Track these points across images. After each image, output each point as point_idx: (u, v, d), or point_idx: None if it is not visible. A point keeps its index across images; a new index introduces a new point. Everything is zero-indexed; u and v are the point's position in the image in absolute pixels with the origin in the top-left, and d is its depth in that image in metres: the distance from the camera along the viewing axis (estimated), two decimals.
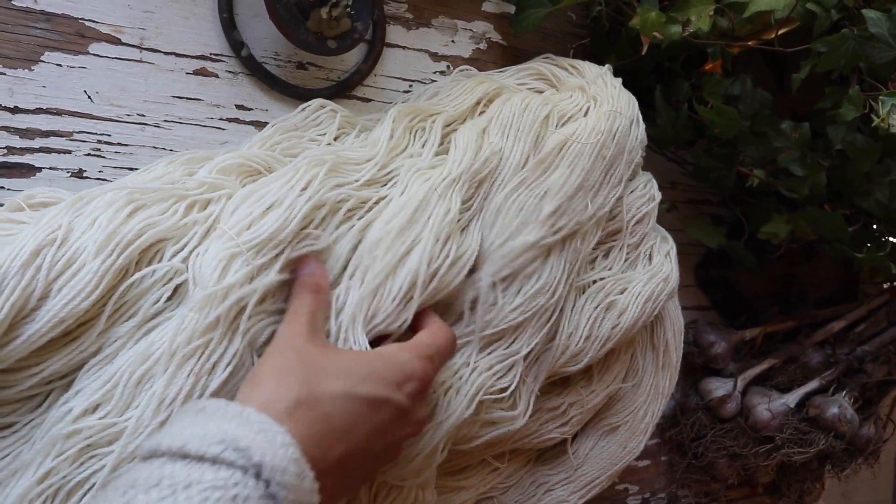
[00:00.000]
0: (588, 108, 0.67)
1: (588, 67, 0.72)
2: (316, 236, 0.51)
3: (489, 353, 0.59)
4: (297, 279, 0.50)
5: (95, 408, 0.44)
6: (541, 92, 0.70)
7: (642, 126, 0.69)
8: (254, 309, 0.47)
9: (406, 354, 0.48)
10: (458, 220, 0.57)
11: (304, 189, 0.52)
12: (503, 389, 0.60)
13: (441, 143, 0.63)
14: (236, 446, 0.35)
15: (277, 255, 0.49)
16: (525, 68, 0.73)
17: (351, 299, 0.51)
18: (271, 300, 0.49)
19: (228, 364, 0.45)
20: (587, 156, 0.62)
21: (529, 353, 0.61)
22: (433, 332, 0.52)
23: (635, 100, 0.70)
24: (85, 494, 0.42)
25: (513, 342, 0.60)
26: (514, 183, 0.60)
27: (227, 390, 0.46)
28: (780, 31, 0.76)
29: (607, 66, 0.73)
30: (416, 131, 0.62)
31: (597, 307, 0.66)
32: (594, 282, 0.68)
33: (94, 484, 0.43)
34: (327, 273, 0.52)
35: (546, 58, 0.75)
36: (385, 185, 0.58)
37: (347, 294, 0.52)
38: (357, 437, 0.43)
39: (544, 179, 0.61)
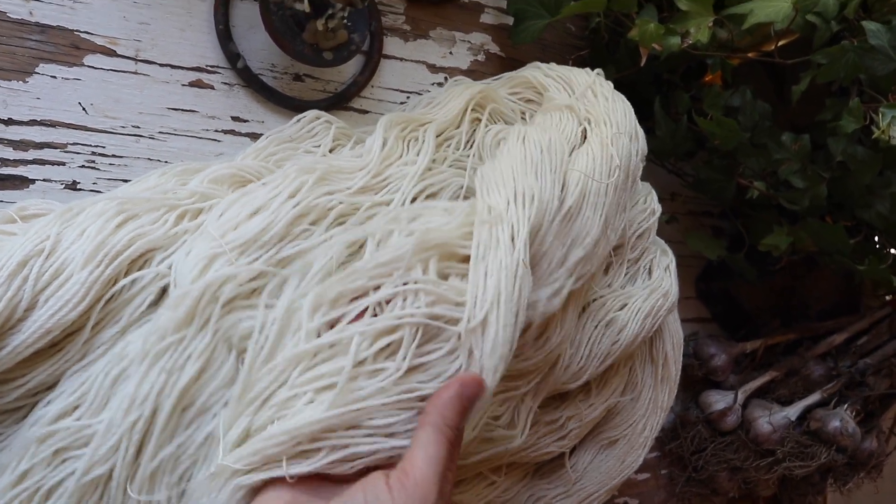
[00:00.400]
0: (585, 131, 0.63)
1: (576, 77, 0.68)
2: (306, 236, 0.51)
3: None
4: (434, 407, 0.42)
5: (73, 410, 0.44)
6: (530, 101, 0.69)
7: (642, 138, 0.66)
8: (235, 304, 0.47)
9: None
10: None
11: (291, 195, 0.51)
12: (498, 416, 0.60)
13: (437, 151, 0.62)
14: None
15: (262, 255, 0.49)
16: (513, 77, 0.72)
17: None
18: (257, 297, 0.49)
19: (199, 358, 0.45)
20: (605, 192, 0.58)
21: (528, 390, 0.61)
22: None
23: (631, 108, 0.66)
24: (59, 499, 0.42)
25: (515, 380, 0.59)
26: (550, 238, 0.53)
27: (198, 387, 0.45)
28: (780, 43, 0.75)
29: (597, 71, 0.70)
30: (409, 140, 0.62)
31: (597, 325, 0.66)
32: (594, 300, 0.67)
33: (67, 488, 0.42)
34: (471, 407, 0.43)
35: (535, 66, 0.73)
36: (378, 192, 0.57)
37: None
38: None
39: (571, 228, 0.56)
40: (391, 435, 0.42)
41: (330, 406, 0.41)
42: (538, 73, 0.70)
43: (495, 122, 0.68)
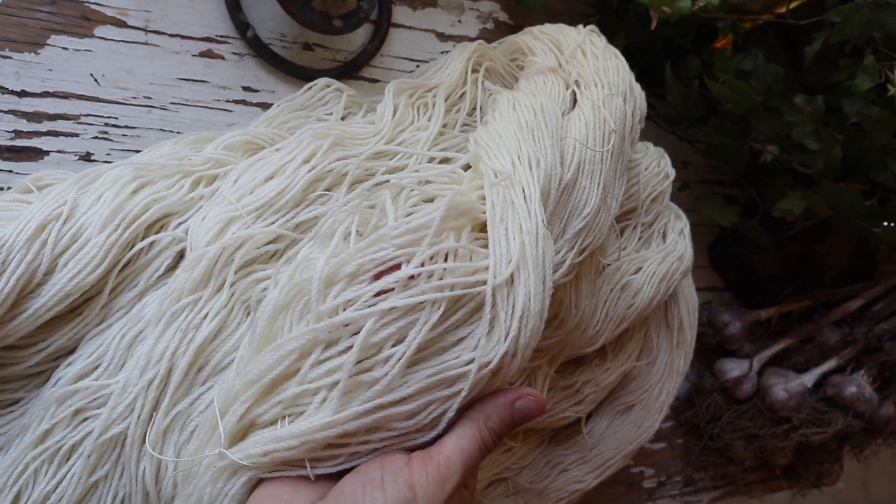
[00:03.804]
0: (574, 94, 0.61)
1: (565, 37, 0.65)
2: (322, 202, 0.51)
3: None
4: (483, 406, 0.40)
5: (92, 371, 0.45)
6: (521, 67, 0.68)
7: (638, 95, 0.63)
8: (253, 267, 0.47)
9: None
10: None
11: (306, 160, 0.51)
12: (513, 382, 0.59)
13: (447, 115, 0.62)
14: None
15: (278, 219, 0.49)
16: (505, 42, 0.70)
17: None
18: (275, 262, 0.49)
19: (215, 317, 0.45)
20: (601, 161, 0.56)
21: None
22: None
23: (625, 64, 0.63)
24: (79, 458, 0.42)
25: (535, 360, 0.60)
26: (549, 213, 0.52)
27: (214, 347, 0.45)
28: (792, 5, 0.74)
29: (588, 28, 0.67)
30: (419, 106, 0.62)
31: (612, 289, 0.65)
32: (608, 263, 0.67)
33: (86, 447, 0.42)
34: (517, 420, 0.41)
35: (527, 31, 0.70)
36: (392, 158, 0.57)
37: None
38: None
39: (569, 199, 0.54)
40: (420, 430, 0.39)
41: (339, 406, 0.38)
42: (528, 37, 0.68)
43: (493, 83, 0.67)
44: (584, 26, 0.68)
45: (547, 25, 0.69)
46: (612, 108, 0.58)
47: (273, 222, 0.48)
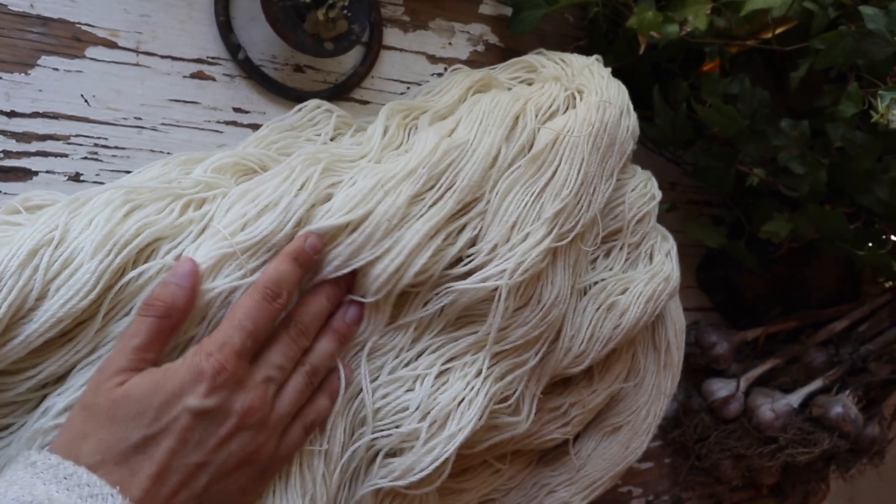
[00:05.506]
0: (571, 99, 0.65)
1: (575, 59, 0.70)
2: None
3: (497, 364, 0.58)
4: (151, 294, 0.46)
5: None
6: (530, 83, 0.70)
7: (633, 116, 0.68)
8: None
9: (188, 359, 0.44)
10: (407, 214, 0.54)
11: (300, 189, 0.51)
12: (507, 398, 0.59)
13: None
14: None
15: (269, 258, 0.49)
16: (516, 61, 0.73)
17: None
18: None
19: None
20: (582, 149, 0.60)
21: (535, 365, 0.61)
22: (229, 316, 0.47)
23: (625, 89, 0.68)
24: None
25: (522, 353, 0.59)
26: (508, 182, 0.58)
27: None
28: (778, 31, 0.76)
29: (595, 56, 0.72)
30: (410, 128, 0.62)
31: (598, 308, 0.66)
32: (595, 283, 0.67)
33: None
34: (193, 287, 0.47)
35: (538, 52, 0.74)
36: None
37: None
38: (177, 465, 0.42)
39: (539, 177, 0.59)
40: None
41: None
42: (539, 56, 0.72)
43: None
44: (572, 50, 0.71)
45: (553, 52, 0.73)
46: (606, 113, 0.63)
47: (265, 261, 0.48)
